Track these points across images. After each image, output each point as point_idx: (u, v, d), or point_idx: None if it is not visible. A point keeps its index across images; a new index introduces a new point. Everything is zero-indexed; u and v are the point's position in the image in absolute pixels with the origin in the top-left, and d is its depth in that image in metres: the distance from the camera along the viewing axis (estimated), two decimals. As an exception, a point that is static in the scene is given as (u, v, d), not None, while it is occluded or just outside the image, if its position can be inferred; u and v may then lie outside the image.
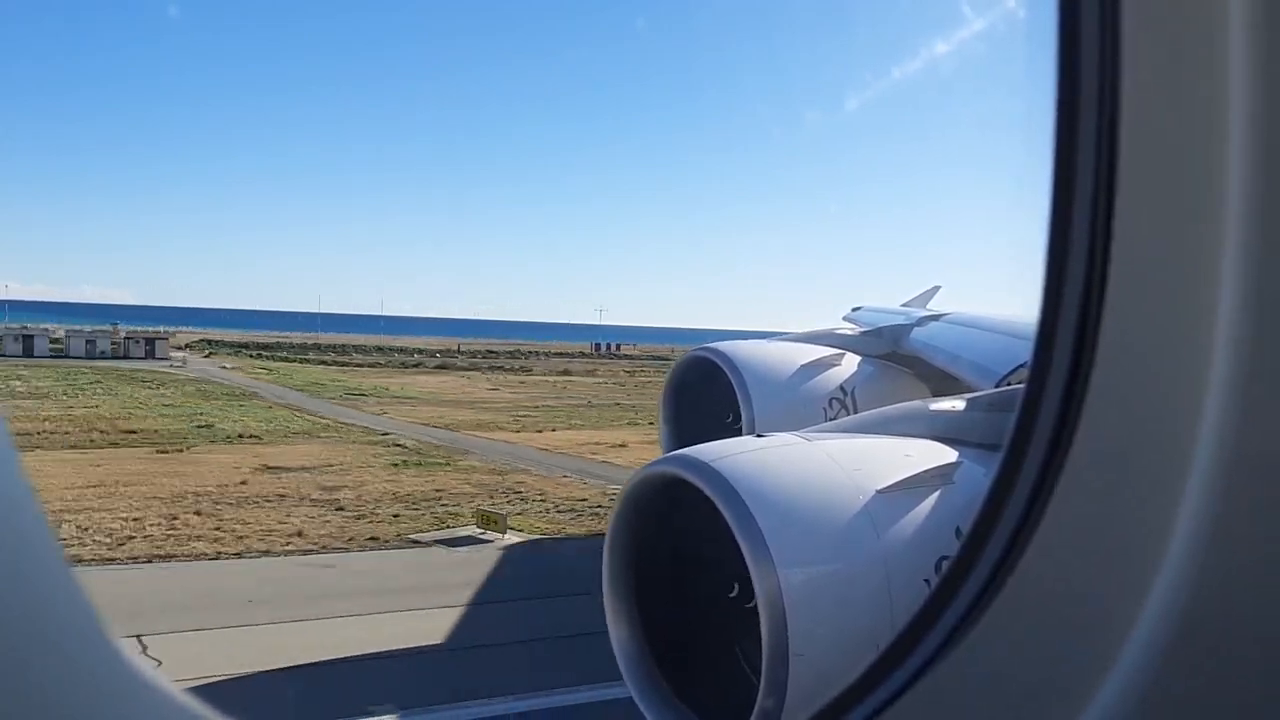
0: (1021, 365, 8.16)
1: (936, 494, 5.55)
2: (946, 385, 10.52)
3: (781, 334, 13.70)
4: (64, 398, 47.81)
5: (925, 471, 5.62)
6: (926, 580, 5.08)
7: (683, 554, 6.08)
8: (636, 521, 6.04)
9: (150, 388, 54.28)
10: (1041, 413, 1.79)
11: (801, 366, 11.40)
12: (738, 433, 10.16)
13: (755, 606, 5.08)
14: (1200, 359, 1.54)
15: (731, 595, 5.44)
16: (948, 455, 5.84)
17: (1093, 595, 1.69)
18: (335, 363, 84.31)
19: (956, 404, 7.01)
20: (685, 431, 11.56)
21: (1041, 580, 1.75)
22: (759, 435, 6.60)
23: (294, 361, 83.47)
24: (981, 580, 1.83)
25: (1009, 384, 8.38)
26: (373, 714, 11.74)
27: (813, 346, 12.08)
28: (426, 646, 15.14)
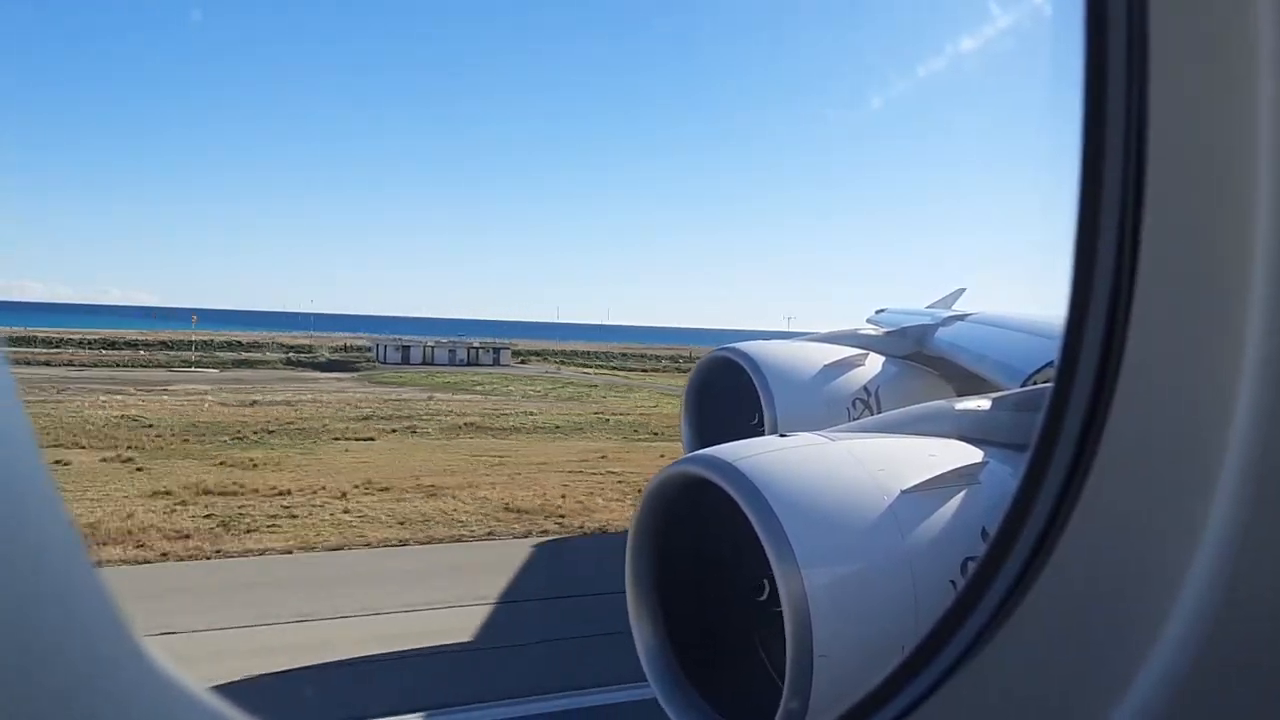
0: (1048, 364, 8.06)
1: (962, 494, 5.50)
2: (971, 385, 10.40)
3: (804, 334, 13.64)
4: (594, 401, 50.71)
5: (950, 471, 5.56)
6: (952, 582, 5.04)
7: (705, 554, 6.06)
8: (659, 521, 6.03)
9: (631, 393, 56.74)
10: (1068, 412, 1.77)
11: (824, 366, 11.33)
12: (760, 433, 10.12)
13: (778, 606, 5.06)
14: (1229, 360, 1.53)
15: (754, 595, 5.42)
16: (973, 455, 5.79)
17: (1121, 597, 1.67)
18: (597, 366, 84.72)
19: (982, 403, 6.93)
20: (707, 431, 11.53)
21: (1069, 582, 1.74)
22: (782, 435, 6.57)
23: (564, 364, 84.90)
24: (1008, 582, 1.81)
25: (1035, 383, 8.28)
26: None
27: (835, 346, 11.99)
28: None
